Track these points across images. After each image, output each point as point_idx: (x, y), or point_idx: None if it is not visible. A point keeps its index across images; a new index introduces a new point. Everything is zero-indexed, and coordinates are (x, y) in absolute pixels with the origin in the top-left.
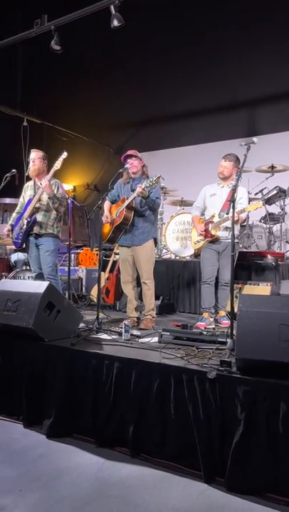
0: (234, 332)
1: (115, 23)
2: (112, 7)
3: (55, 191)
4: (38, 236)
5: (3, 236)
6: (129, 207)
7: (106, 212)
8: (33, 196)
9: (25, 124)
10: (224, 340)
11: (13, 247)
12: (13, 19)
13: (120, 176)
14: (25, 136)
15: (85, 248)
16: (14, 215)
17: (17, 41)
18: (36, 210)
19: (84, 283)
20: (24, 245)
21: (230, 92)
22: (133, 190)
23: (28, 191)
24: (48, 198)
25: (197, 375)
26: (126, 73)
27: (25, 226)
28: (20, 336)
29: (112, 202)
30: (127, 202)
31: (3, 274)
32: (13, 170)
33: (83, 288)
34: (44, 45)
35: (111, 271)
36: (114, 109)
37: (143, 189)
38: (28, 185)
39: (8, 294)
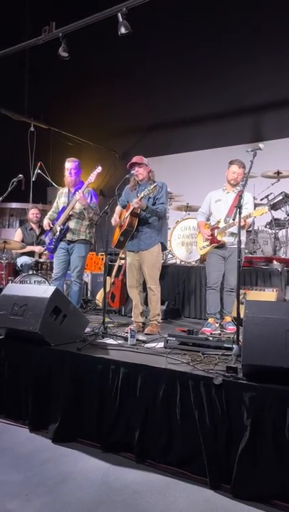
0: (240, 338)
1: (123, 30)
2: (119, 15)
3: (88, 200)
4: (70, 242)
5: (9, 240)
6: (133, 213)
7: (115, 215)
8: (67, 204)
9: (32, 129)
10: (230, 346)
11: (19, 251)
12: (22, 26)
13: (127, 181)
14: (31, 142)
15: (90, 253)
16: (51, 213)
17: (25, 48)
18: (69, 217)
19: (89, 287)
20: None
21: (236, 97)
22: None
23: (62, 198)
24: (84, 208)
25: (203, 381)
26: (132, 79)
27: (58, 233)
28: (26, 341)
29: (123, 207)
30: (130, 208)
31: (9, 278)
32: (20, 175)
33: (88, 292)
34: (51, 52)
35: (116, 276)
36: (120, 115)
37: (139, 202)
38: (63, 192)
39: (15, 299)
